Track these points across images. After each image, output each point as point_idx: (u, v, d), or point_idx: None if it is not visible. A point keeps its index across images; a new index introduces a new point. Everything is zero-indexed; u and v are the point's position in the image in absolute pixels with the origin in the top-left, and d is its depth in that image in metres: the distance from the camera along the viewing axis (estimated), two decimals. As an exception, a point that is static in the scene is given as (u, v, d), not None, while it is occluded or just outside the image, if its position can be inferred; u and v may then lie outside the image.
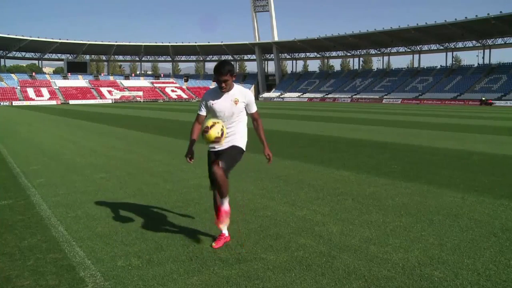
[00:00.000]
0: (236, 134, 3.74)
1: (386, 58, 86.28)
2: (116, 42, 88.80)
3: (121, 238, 3.98)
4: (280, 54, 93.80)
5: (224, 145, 3.71)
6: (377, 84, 77.01)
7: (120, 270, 3.26)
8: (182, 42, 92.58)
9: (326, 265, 3.30)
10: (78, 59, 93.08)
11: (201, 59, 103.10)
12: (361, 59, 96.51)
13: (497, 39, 68.76)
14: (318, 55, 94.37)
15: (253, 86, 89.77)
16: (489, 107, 46.94)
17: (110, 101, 74.92)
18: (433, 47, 77.84)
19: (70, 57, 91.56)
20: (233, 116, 3.70)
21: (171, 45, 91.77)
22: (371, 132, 14.77)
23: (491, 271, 3.16)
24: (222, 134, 3.52)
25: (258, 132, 3.89)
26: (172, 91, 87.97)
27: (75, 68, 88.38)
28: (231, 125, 3.72)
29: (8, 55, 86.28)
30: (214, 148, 3.77)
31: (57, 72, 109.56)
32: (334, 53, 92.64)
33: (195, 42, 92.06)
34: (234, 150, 3.72)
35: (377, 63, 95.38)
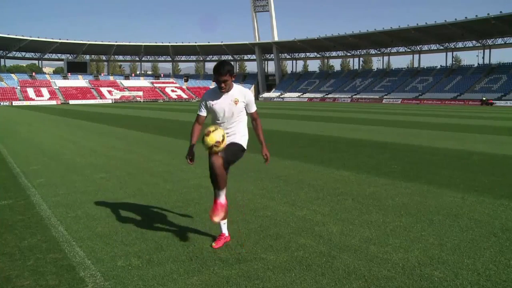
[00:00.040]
0: (236, 134, 3.74)
1: (386, 58, 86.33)
2: (116, 42, 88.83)
3: (121, 238, 3.97)
4: (280, 54, 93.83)
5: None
6: (377, 84, 77.03)
7: (120, 270, 3.26)
8: (182, 42, 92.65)
9: (326, 265, 3.30)
10: (78, 59, 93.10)
11: (201, 59, 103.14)
12: (361, 59, 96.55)
13: (497, 39, 68.79)
14: (318, 55, 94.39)
15: (253, 86, 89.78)
16: (489, 107, 46.92)
17: (110, 101, 74.94)
18: (433, 47, 77.88)
19: (70, 57, 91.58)
20: (233, 116, 3.70)
21: (171, 45, 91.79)
22: (371, 132, 14.77)
23: (491, 271, 3.16)
24: (223, 139, 3.49)
25: (256, 132, 3.90)
26: (172, 91, 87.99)
27: (75, 68, 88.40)
28: (232, 125, 3.73)
29: (8, 55, 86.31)
30: None
31: (57, 72, 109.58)
32: (334, 53, 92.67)
33: (195, 42, 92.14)
34: (235, 146, 3.70)
35: (377, 63, 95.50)
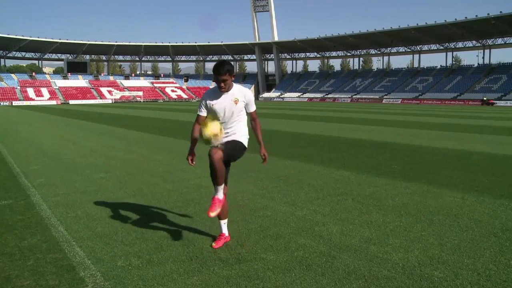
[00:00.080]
0: (236, 134, 3.73)
1: (386, 58, 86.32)
2: (116, 42, 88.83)
3: (121, 238, 3.97)
4: (280, 54, 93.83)
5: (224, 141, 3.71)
6: (377, 84, 77.03)
7: (120, 270, 3.26)
8: (182, 42, 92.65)
9: (326, 265, 3.30)
10: (78, 59, 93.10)
11: (201, 59, 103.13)
12: (361, 59, 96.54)
13: (497, 39, 68.79)
14: (318, 55, 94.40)
15: (253, 86, 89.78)
16: (490, 107, 46.91)
17: (110, 101, 74.93)
18: (433, 47, 77.88)
19: (70, 57, 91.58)
20: (233, 115, 3.69)
21: (171, 45, 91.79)
22: (371, 132, 14.77)
23: (491, 271, 3.16)
24: (220, 131, 3.51)
25: (255, 132, 3.89)
26: (172, 91, 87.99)
27: (75, 68, 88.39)
28: (232, 124, 3.72)
29: (8, 55, 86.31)
30: (215, 146, 3.76)
31: (57, 72, 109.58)
32: (334, 53, 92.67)
33: (195, 42, 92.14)
34: (235, 142, 3.69)
35: (377, 63, 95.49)
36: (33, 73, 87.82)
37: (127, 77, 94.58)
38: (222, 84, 3.59)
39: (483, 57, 72.44)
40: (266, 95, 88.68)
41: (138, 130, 16.31)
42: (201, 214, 4.73)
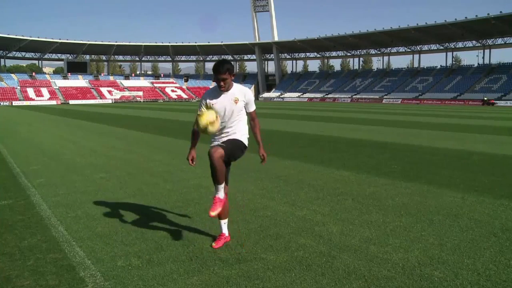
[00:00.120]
0: (237, 133, 3.72)
1: (386, 58, 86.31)
2: (116, 42, 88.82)
3: (121, 238, 3.98)
4: (280, 54, 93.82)
5: (224, 140, 3.70)
6: (377, 84, 77.02)
7: (120, 270, 3.26)
8: (182, 42, 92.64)
9: (326, 265, 3.30)
10: (78, 59, 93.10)
11: (201, 59, 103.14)
12: (361, 59, 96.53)
13: (497, 39, 68.78)
14: (318, 55, 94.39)
15: (253, 86, 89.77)
16: (490, 107, 46.90)
17: (110, 101, 74.93)
18: (433, 47, 77.86)
19: (70, 57, 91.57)
20: (233, 115, 3.68)
21: (171, 45, 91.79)
22: (371, 132, 14.77)
23: (491, 271, 3.16)
24: (216, 118, 3.49)
25: (254, 132, 3.89)
26: (172, 91, 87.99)
27: (75, 68, 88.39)
28: (232, 124, 3.71)
29: (8, 55, 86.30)
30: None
31: (57, 72, 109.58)
32: (334, 53, 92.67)
33: (195, 42, 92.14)
34: (236, 141, 3.69)
35: (377, 63, 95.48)
36: (33, 73, 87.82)
37: (127, 77, 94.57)
38: (222, 83, 3.59)
39: (483, 57, 72.48)
40: (266, 95, 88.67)
41: (138, 130, 16.31)
42: (201, 214, 4.73)
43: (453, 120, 22.49)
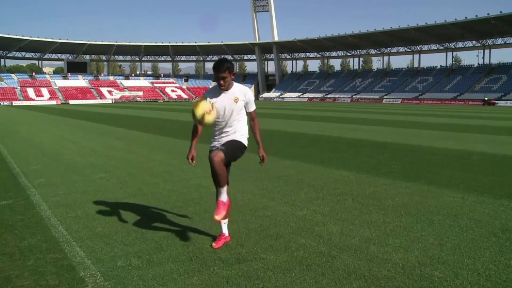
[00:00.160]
0: (236, 133, 3.72)
1: (386, 58, 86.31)
2: (116, 42, 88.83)
3: (121, 238, 3.97)
4: (280, 54, 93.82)
5: (224, 142, 3.70)
6: (377, 84, 77.02)
7: (120, 270, 3.26)
8: (182, 42, 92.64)
9: (326, 265, 3.30)
10: (78, 59, 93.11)
11: (201, 59, 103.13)
12: (361, 59, 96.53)
13: (497, 39, 68.78)
14: (318, 55, 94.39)
15: (253, 86, 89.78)
16: (491, 107, 46.88)
17: (110, 101, 74.94)
18: (433, 47, 77.87)
19: (70, 57, 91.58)
20: (233, 114, 3.68)
21: (171, 45, 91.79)
22: (371, 132, 14.77)
23: (491, 271, 3.16)
24: (212, 108, 3.48)
25: (254, 132, 3.88)
26: (172, 91, 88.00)
27: (75, 68, 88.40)
28: (232, 123, 3.70)
29: (8, 55, 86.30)
30: (215, 147, 3.76)
31: (57, 72, 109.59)
32: (334, 53, 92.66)
33: (195, 42, 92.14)
34: (235, 142, 3.69)
35: (377, 63, 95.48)
36: (33, 73, 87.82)
37: (127, 77, 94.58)
38: (222, 82, 3.58)
39: (483, 57, 72.48)
40: (266, 95, 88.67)
41: (138, 130, 16.31)
42: (201, 214, 4.73)
43: (453, 120, 22.49)
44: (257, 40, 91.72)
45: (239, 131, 3.73)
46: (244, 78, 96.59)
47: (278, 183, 6.31)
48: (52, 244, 3.83)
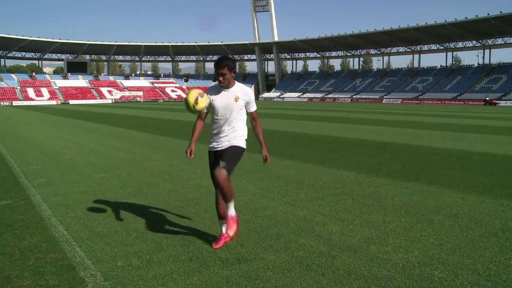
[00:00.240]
0: (235, 132, 3.70)
1: (386, 58, 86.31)
2: (116, 42, 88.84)
3: (121, 238, 3.97)
4: (280, 54, 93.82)
5: (224, 144, 3.69)
6: (377, 84, 77.02)
7: (120, 270, 3.26)
8: (182, 42, 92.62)
9: (326, 265, 3.30)
10: (78, 59, 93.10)
11: (201, 59, 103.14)
12: (361, 59, 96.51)
13: (497, 39, 68.78)
14: (318, 55, 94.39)
15: (253, 86, 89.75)
16: (492, 107, 46.85)
17: (110, 101, 74.94)
18: (433, 47, 77.87)
19: (70, 57, 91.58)
20: (232, 113, 3.66)
21: (171, 45, 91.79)
22: (371, 132, 14.77)
23: (491, 271, 3.16)
24: (203, 95, 3.54)
25: (256, 132, 3.87)
26: (172, 91, 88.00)
27: (75, 68, 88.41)
28: (231, 122, 3.69)
29: (8, 55, 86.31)
30: (214, 148, 3.76)
31: (57, 72, 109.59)
32: (334, 53, 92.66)
33: (195, 42, 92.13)
34: (235, 150, 3.68)
35: (377, 63, 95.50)
36: (33, 73, 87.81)
37: (127, 77, 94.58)
38: (221, 78, 3.58)
39: (483, 57, 72.48)
40: (266, 95, 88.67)
41: (138, 130, 16.31)
42: (201, 214, 4.73)
43: (453, 120, 22.49)
44: (257, 40, 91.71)
45: (237, 131, 3.71)
46: (244, 78, 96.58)
47: (278, 183, 6.31)
48: (52, 244, 3.83)
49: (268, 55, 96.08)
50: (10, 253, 3.62)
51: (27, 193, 5.90)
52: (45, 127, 18.89)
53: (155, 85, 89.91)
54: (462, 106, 50.16)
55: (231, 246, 3.73)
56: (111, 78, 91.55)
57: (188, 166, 7.84)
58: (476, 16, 59.98)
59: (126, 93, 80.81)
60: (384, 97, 69.69)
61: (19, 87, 75.11)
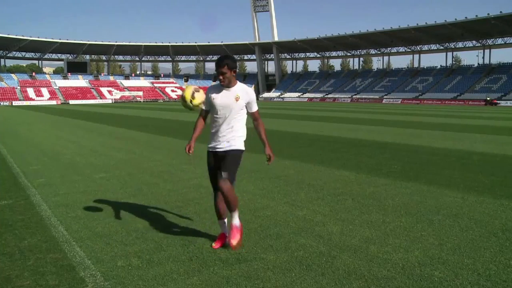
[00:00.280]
0: (233, 132, 3.68)
1: (386, 58, 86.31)
2: (116, 42, 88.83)
3: (121, 238, 3.97)
4: (280, 54, 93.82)
5: (223, 145, 3.67)
6: (377, 84, 77.02)
7: (120, 270, 3.26)
8: (182, 42, 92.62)
9: (326, 265, 3.30)
10: (78, 59, 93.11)
11: (201, 59, 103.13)
12: (361, 59, 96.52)
13: (497, 39, 68.79)
14: (318, 55, 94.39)
15: (253, 86, 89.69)
16: (492, 108, 46.83)
17: (110, 101, 74.92)
18: (433, 47, 77.87)
19: (70, 57, 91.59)
20: (232, 112, 3.65)
21: (171, 45, 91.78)
22: (371, 132, 14.77)
23: (491, 271, 3.16)
24: (199, 90, 3.65)
25: (258, 132, 3.85)
26: (172, 91, 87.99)
27: (75, 68, 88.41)
28: (230, 122, 3.67)
29: (8, 55, 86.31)
30: (213, 148, 3.75)
31: (57, 72, 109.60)
32: (334, 53, 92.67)
33: (195, 42, 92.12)
34: (234, 155, 3.66)
35: (377, 63, 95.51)
36: (33, 73, 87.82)
37: (127, 77, 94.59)
38: (221, 77, 3.58)
39: (483, 57, 72.49)
40: (266, 95, 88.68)
41: (138, 130, 16.31)
42: (201, 214, 4.73)
43: (453, 120, 22.49)
44: (257, 40, 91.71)
45: (236, 131, 3.69)
46: (244, 78, 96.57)
47: (278, 183, 6.31)
48: (52, 244, 3.83)
49: (268, 55, 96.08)
50: (10, 253, 3.62)
51: (27, 193, 5.90)
52: (45, 127, 18.89)
53: (155, 85, 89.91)
54: (462, 106, 50.15)
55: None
56: (111, 78, 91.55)
57: (188, 166, 7.84)
58: (476, 16, 60.00)
59: (126, 93, 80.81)
60: (384, 97, 69.69)
61: (19, 87, 75.11)
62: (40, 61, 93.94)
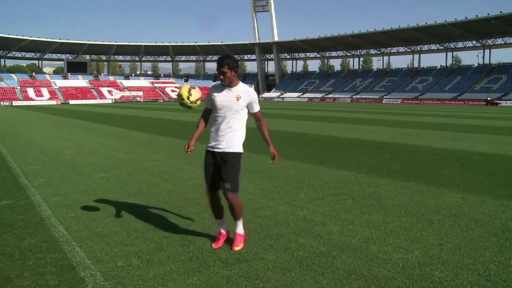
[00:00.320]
0: (232, 132, 3.67)
1: (386, 58, 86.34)
2: (116, 42, 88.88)
3: (121, 238, 3.97)
4: (280, 54, 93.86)
5: (221, 146, 3.66)
6: (377, 84, 77.04)
7: (120, 270, 3.26)
8: (182, 42, 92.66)
9: (326, 265, 3.30)
10: (78, 59, 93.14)
11: (201, 59, 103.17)
12: (361, 59, 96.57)
13: (497, 39, 68.82)
14: (318, 55, 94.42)
15: (253, 86, 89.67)
16: (493, 108, 46.82)
17: (110, 101, 74.92)
18: (433, 47, 77.91)
19: (70, 57, 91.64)
20: (231, 112, 3.65)
21: (171, 45, 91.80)
22: (371, 132, 14.77)
23: (491, 271, 3.16)
24: (195, 87, 3.77)
25: (261, 132, 3.86)
26: (172, 91, 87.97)
27: (75, 68, 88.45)
28: (230, 121, 3.67)
29: (8, 55, 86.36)
30: (212, 148, 3.74)
31: (57, 72, 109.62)
32: (334, 53, 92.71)
33: (195, 42, 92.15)
34: (233, 163, 3.65)
35: (377, 63, 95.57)
36: (33, 73, 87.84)
37: (127, 77, 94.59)
38: (221, 77, 3.59)
39: (483, 57, 72.53)
40: (266, 95, 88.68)
41: (138, 130, 16.31)
42: (201, 214, 4.73)
43: (453, 120, 22.49)
44: (257, 40, 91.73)
45: (235, 131, 3.67)
46: (244, 78, 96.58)
47: (278, 183, 6.31)
48: (52, 244, 3.83)
49: (268, 55, 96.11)
50: (10, 253, 3.62)
51: (27, 193, 5.90)
52: (45, 127, 18.89)
53: (155, 85, 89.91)
54: (462, 106, 50.15)
55: (231, 246, 3.73)
56: (111, 78, 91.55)
57: (188, 166, 7.84)
58: (476, 16, 60.03)
59: (126, 93, 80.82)
60: (384, 97, 69.70)
61: (19, 87, 75.12)
62: (40, 61, 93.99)
